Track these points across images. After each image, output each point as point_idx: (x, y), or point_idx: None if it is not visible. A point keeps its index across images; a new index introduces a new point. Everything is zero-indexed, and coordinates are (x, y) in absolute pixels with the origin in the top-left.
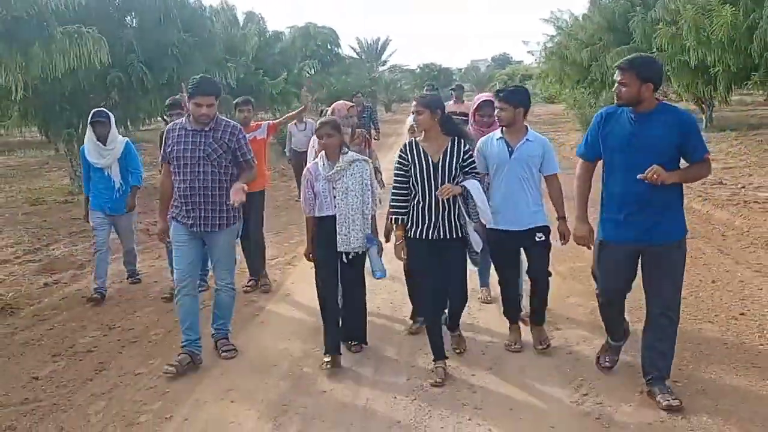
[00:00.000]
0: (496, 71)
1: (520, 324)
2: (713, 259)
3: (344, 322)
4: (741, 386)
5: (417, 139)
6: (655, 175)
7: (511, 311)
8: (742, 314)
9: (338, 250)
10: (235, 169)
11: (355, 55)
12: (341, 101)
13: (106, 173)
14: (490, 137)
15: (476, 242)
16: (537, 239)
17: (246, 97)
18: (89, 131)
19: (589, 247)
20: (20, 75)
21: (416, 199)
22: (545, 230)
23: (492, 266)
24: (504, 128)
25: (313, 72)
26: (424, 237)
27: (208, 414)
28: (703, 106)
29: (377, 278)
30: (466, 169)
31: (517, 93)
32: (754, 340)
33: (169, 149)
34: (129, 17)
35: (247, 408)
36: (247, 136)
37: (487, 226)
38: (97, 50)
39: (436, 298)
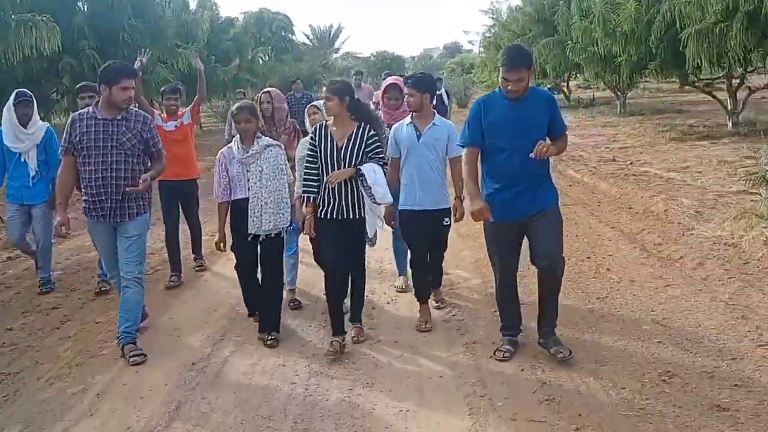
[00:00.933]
0: (446, 60)
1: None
2: (583, 219)
3: (260, 312)
4: (567, 305)
5: (327, 122)
6: (544, 149)
7: (422, 290)
8: (588, 258)
9: (249, 232)
10: (147, 159)
11: (308, 42)
12: (277, 89)
13: (22, 159)
14: (401, 123)
15: (371, 224)
16: (444, 224)
17: (174, 85)
18: (9, 113)
19: (486, 219)
20: None
21: (324, 180)
22: (449, 213)
23: (405, 256)
24: (413, 113)
25: (266, 58)
26: (329, 217)
27: (160, 345)
28: (618, 93)
29: (288, 254)
30: (370, 153)
31: (423, 80)
32: (590, 276)
33: (77, 139)
34: (80, 3)
35: (191, 339)
36: (174, 123)
37: (399, 207)
38: (50, 37)
39: (340, 278)
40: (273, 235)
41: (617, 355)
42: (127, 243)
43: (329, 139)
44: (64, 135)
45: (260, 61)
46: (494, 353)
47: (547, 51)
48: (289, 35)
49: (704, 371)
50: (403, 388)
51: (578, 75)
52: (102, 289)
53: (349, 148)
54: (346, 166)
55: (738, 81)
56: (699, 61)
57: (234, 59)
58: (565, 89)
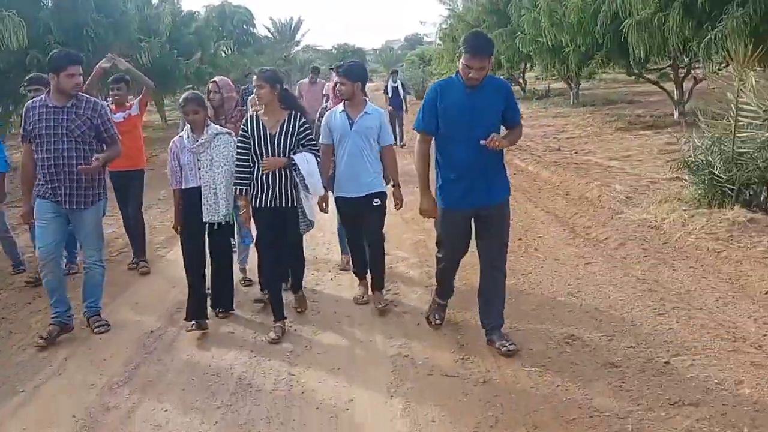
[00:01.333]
0: (407, 52)
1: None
2: (521, 205)
3: (213, 290)
4: None
5: (258, 112)
6: (496, 140)
7: (359, 267)
8: (519, 239)
9: (204, 220)
10: (101, 146)
11: (269, 35)
12: (225, 78)
13: None
14: (334, 111)
15: (308, 210)
16: (374, 204)
17: (119, 75)
18: None
19: (433, 217)
20: None
21: (257, 169)
22: (382, 196)
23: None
24: (345, 102)
25: (228, 52)
26: (263, 205)
27: (123, 317)
28: (570, 84)
29: (245, 244)
30: (303, 141)
31: (354, 68)
32: (519, 255)
33: (30, 127)
34: None
35: (150, 313)
36: (123, 114)
37: (335, 194)
38: (17, 32)
39: (276, 264)
40: (223, 223)
41: (530, 322)
42: (85, 232)
43: (261, 127)
44: (22, 123)
45: (222, 54)
46: (428, 319)
47: (501, 42)
48: (251, 28)
49: (605, 335)
50: (336, 350)
51: (533, 66)
52: (71, 271)
53: (282, 136)
54: (280, 153)
55: (684, 71)
56: (640, 51)
57: (196, 53)
58: (520, 80)
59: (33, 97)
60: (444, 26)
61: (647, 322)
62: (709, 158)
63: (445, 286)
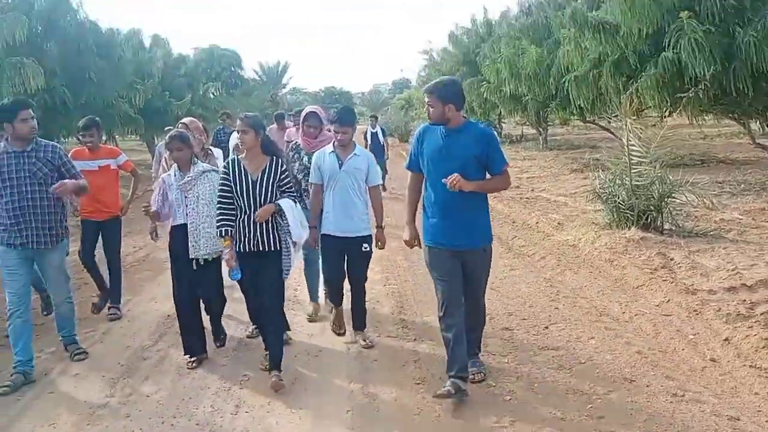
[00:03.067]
0: (394, 95)
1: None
2: (552, 274)
3: (210, 324)
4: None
5: (240, 156)
6: (454, 181)
7: (335, 295)
8: None
9: (190, 256)
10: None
11: (257, 78)
12: (191, 118)
13: None
14: (323, 152)
15: (292, 253)
16: (363, 249)
17: (89, 120)
18: None
19: (414, 246)
20: None
21: (239, 213)
22: (369, 240)
23: (317, 280)
24: (335, 143)
25: (217, 93)
26: (246, 249)
27: (137, 308)
28: (539, 130)
29: (233, 279)
30: (283, 187)
31: (347, 114)
32: None
33: None
34: (52, 46)
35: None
36: (98, 161)
37: (322, 231)
38: (34, 77)
39: (258, 307)
40: (210, 259)
41: None
42: (52, 274)
43: (243, 172)
44: None
45: (211, 95)
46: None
47: (472, 90)
48: (239, 71)
49: (507, 312)
50: (304, 375)
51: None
52: (48, 314)
53: (264, 181)
54: (262, 198)
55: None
56: (581, 102)
57: (187, 94)
58: (496, 125)
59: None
60: (422, 74)
61: (541, 305)
62: (614, 190)
63: (452, 352)
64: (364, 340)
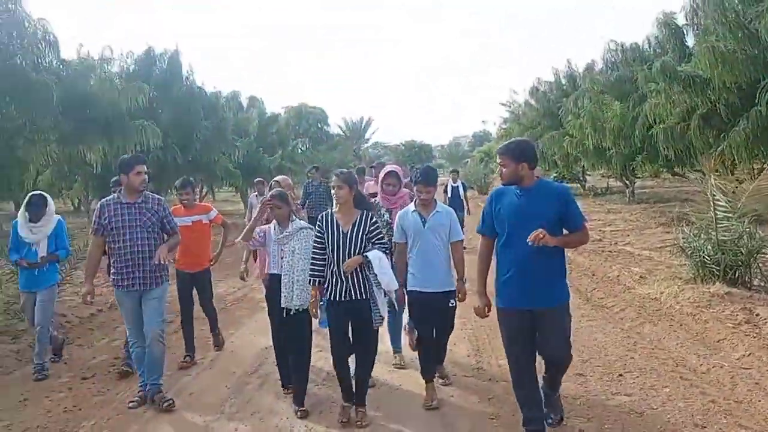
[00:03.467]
0: (474, 148)
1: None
2: (631, 325)
3: (291, 372)
4: None
5: (333, 211)
6: (540, 235)
7: (427, 371)
8: None
9: (281, 306)
10: (164, 235)
11: (341, 133)
12: (283, 176)
13: (33, 249)
14: (406, 211)
15: (381, 303)
16: (450, 305)
17: (185, 180)
18: (22, 211)
19: (486, 316)
20: (100, 156)
21: (330, 264)
22: (453, 295)
23: (401, 332)
24: (416, 202)
25: (304, 148)
26: (338, 298)
27: (239, 340)
28: (626, 182)
29: (321, 327)
30: (373, 239)
31: (431, 174)
32: None
33: (106, 222)
34: (164, 108)
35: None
36: (192, 217)
37: (408, 288)
38: (153, 137)
39: (348, 353)
40: (301, 310)
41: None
42: (151, 304)
43: (335, 225)
44: (94, 218)
45: (299, 150)
46: None
47: (553, 143)
48: (325, 127)
49: (581, 359)
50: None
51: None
52: (124, 370)
53: (354, 234)
54: (352, 250)
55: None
56: (670, 154)
57: (278, 150)
58: (580, 178)
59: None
60: (503, 126)
61: (616, 354)
62: (699, 245)
63: (522, 401)
64: (443, 377)
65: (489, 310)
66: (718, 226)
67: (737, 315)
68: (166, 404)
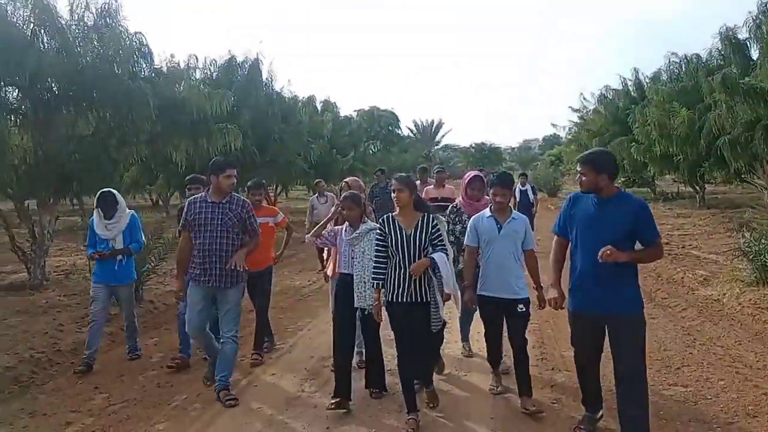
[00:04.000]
0: (544, 151)
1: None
2: (691, 324)
3: (366, 371)
4: None
5: (393, 214)
6: (608, 252)
7: (494, 357)
8: None
9: (355, 305)
10: (244, 236)
11: (412, 135)
12: (354, 177)
13: (110, 245)
14: (481, 215)
15: (441, 307)
16: (519, 310)
17: (257, 181)
18: (96, 210)
19: (561, 308)
20: (185, 156)
21: (393, 266)
22: (526, 302)
23: (470, 325)
24: (497, 208)
25: (375, 150)
26: (399, 300)
27: (291, 353)
28: (696, 188)
29: None
30: (435, 241)
31: (508, 179)
32: None
33: (191, 218)
34: (244, 112)
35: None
36: (260, 219)
37: (479, 292)
38: (234, 139)
39: (409, 357)
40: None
41: None
42: (227, 308)
43: (398, 228)
44: (183, 215)
45: (371, 152)
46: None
47: (622, 149)
48: (396, 130)
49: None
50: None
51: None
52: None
53: (417, 236)
54: (415, 252)
55: None
56: (737, 164)
57: (350, 151)
58: (650, 184)
59: (192, 194)
60: (573, 130)
61: (675, 349)
62: (760, 249)
63: (585, 392)
64: (529, 407)
65: (562, 302)
66: None
67: None
68: (228, 401)
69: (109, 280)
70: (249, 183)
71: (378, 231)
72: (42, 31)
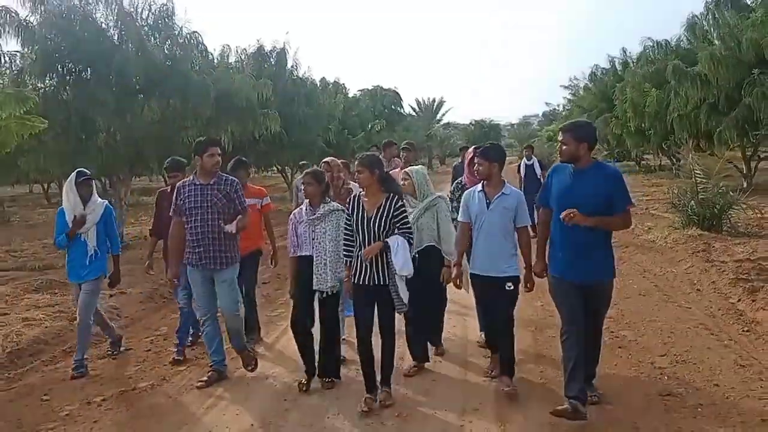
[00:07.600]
0: (543, 127)
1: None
2: (628, 255)
3: (319, 358)
4: None
5: (361, 193)
6: (571, 215)
7: (492, 341)
8: None
9: (313, 288)
10: (235, 216)
11: (414, 114)
12: (332, 157)
13: (82, 238)
14: (472, 190)
15: (403, 292)
16: (507, 288)
17: (238, 160)
18: (71, 192)
19: (543, 277)
20: (231, 138)
21: (357, 248)
22: (515, 281)
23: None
24: (484, 182)
25: (379, 129)
26: (362, 282)
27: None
28: (672, 159)
29: (346, 316)
30: (398, 224)
31: (492, 150)
32: None
33: (182, 202)
34: (272, 97)
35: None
36: (247, 200)
37: (469, 271)
38: (274, 123)
39: (367, 341)
40: (331, 292)
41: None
42: (223, 287)
43: (361, 208)
44: (173, 200)
45: (376, 131)
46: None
47: (606, 125)
48: (399, 108)
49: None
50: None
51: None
52: (176, 359)
53: (378, 218)
54: (375, 234)
55: (751, 151)
56: (683, 137)
57: (359, 131)
58: (635, 157)
59: (173, 182)
60: (566, 107)
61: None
62: (684, 201)
63: (568, 371)
64: (507, 386)
65: (546, 273)
66: (698, 188)
67: (698, 246)
68: (248, 359)
69: (79, 277)
70: (231, 163)
71: (348, 210)
72: (123, 34)
